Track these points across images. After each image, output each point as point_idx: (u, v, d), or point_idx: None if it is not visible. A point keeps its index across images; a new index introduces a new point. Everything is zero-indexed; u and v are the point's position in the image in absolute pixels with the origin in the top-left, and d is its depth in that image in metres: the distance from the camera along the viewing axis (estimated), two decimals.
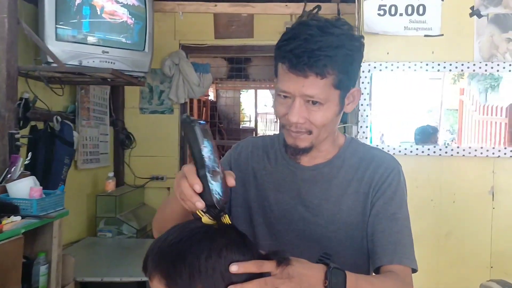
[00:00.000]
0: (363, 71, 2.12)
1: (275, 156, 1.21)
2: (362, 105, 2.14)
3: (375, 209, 1.11)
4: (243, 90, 8.71)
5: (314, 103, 1.01)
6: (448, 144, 5.26)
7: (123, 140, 3.91)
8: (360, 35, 1.06)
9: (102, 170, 3.67)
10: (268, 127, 9.69)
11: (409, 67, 2.07)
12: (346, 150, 1.17)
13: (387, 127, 2.17)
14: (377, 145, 2.18)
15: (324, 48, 0.96)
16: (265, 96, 9.19)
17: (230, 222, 0.83)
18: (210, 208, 0.81)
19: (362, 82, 2.13)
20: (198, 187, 0.81)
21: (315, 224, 1.14)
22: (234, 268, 0.74)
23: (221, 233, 0.81)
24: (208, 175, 0.81)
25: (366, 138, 2.16)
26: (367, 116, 2.13)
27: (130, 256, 2.97)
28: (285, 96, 1.04)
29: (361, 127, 2.15)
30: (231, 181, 0.85)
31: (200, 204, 0.81)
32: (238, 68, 5.22)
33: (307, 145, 1.07)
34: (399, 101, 2.16)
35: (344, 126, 2.51)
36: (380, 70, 2.11)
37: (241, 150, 1.25)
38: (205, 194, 0.81)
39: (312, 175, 1.15)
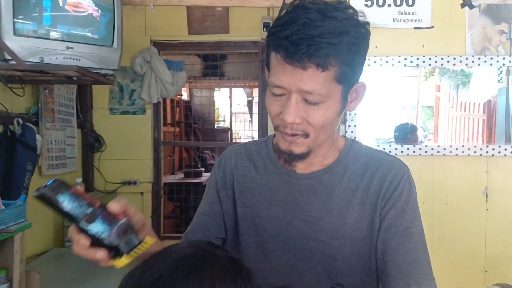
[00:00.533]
0: None
1: (264, 165, 1.06)
2: None
3: (386, 223, 0.97)
4: (217, 89, 8.54)
5: (313, 100, 0.86)
6: (421, 141, 5.21)
7: (92, 143, 3.72)
8: (366, 21, 0.90)
9: (70, 176, 3.45)
10: (244, 127, 9.55)
11: (399, 62, 1.95)
12: (347, 154, 1.03)
13: (363, 125, 2.07)
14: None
15: (326, 35, 0.81)
16: (240, 95, 9.04)
17: (153, 241, 0.77)
18: (114, 248, 0.75)
19: None
20: (83, 241, 0.75)
21: (316, 240, 0.99)
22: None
23: (210, 262, 0.66)
24: (83, 224, 0.75)
25: (355, 137, 2.03)
26: (355, 114, 2.00)
27: (100, 267, 2.77)
28: (279, 93, 0.89)
29: (349, 126, 2.01)
30: (113, 207, 0.77)
31: (101, 253, 0.73)
32: (213, 66, 5.04)
33: (303, 151, 0.93)
34: (375, 97, 2.05)
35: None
36: (369, 65, 1.98)
37: (224, 165, 1.10)
38: (96, 241, 0.75)
39: (310, 184, 1.01)
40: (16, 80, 2.56)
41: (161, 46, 3.73)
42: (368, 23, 0.91)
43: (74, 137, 3.50)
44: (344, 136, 1.09)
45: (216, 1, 2.60)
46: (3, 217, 2.00)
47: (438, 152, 2.07)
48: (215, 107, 8.96)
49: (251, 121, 8.90)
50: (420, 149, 2.07)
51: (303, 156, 0.94)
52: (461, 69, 3.79)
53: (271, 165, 1.05)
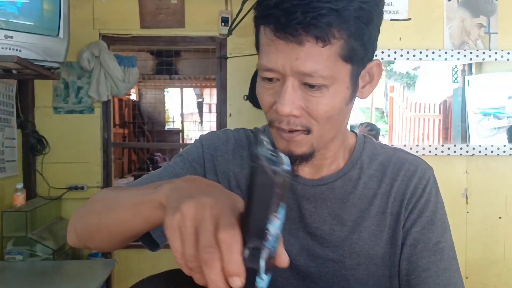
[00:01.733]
0: None
1: None
2: None
3: (412, 237, 0.82)
4: (166, 89, 8.27)
5: (313, 85, 0.69)
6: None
7: (34, 145, 3.42)
8: None
9: (9, 181, 3.14)
10: (194, 128, 9.33)
11: (375, 56, 1.84)
12: (362, 154, 0.87)
13: None
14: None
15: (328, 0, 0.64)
16: (190, 96, 8.82)
17: None
18: None
19: None
20: (239, 283, 0.45)
21: (325, 258, 0.83)
22: None
23: None
24: (262, 263, 0.46)
25: None
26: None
27: (46, 282, 2.53)
28: (270, 79, 0.71)
29: None
30: (283, 261, 0.50)
31: None
32: (166, 62, 4.81)
33: (305, 151, 0.76)
34: None
35: None
36: None
37: (217, 146, 0.89)
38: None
39: (320, 191, 0.84)
40: None
41: (111, 40, 3.48)
42: None
43: (14, 139, 3.20)
44: (353, 131, 0.92)
45: None
46: None
47: (417, 152, 1.98)
48: (165, 108, 8.70)
49: (201, 122, 8.72)
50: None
51: (305, 158, 0.77)
52: (407, 72, 3.80)
53: None
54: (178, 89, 8.23)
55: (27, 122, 3.36)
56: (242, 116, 3.51)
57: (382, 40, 1.88)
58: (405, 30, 1.91)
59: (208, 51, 3.86)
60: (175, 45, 3.69)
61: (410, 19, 1.88)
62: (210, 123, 7.44)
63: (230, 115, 3.53)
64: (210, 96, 8.57)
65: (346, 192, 0.84)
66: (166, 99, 8.58)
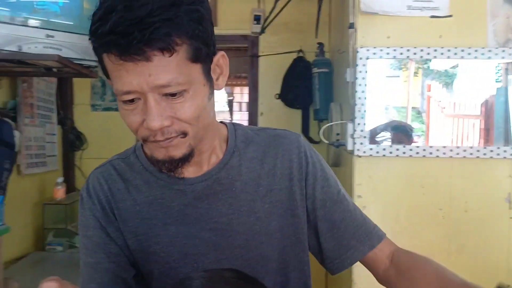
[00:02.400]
0: (360, 58, 1.84)
1: (143, 181, 0.88)
2: (359, 98, 1.86)
3: (319, 200, 0.91)
4: None
5: (174, 94, 0.72)
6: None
7: (73, 141, 3.54)
8: None
9: (50, 175, 3.27)
10: None
11: (415, 54, 1.82)
12: (236, 141, 0.91)
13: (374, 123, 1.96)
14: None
15: (156, 11, 0.67)
16: (220, 94, 8.88)
17: None
18: None
19: (360, 71, 1.85)
20: None
21: (232, 247, 0.87)
22: None
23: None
24: None
25: (365, 137, 1.88)
26: (365, 111, 1.85)
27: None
28: (131, 100, 0.73)
29: (358, 124, 1.87)
30: None
31: None
32: None
33: (185, 152, 0.79)
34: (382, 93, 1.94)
35: (341, 123, 2.24)
36: (381, 56, 1.84)
37: (97, 195, 0.90)
38: None
39: (207, 186, 0.87)
40: None
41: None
42: None
43: (54, 134, 3.32)
44: (222, 122, 0.95)
45: None
46: None
47: (458, 154, 1.91)
48: None
49: (231, 120, 8.79)
50: (437, 150, 1.91)
51: (186, 159, 0.80)
52: (445, 70, 3.72)
53: (152, 178, 0.88)
54: None
55: (66, 119, 3.48)
56: (274, 115, 3.52)
57: (421, 38, 1.87)
58: (446, 27, 1.87)
59: (240, 50, 3.88)
60: None
61: (451, 16, 1.84)
62: (241, 122, 7.49)
63: (262, 114, 3.55)
64: (241, 95, 8.62)
65: (232, 180, 0.88)
66: None
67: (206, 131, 0.82)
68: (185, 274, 0.84)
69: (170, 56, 0.69)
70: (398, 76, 2.00)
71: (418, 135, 2.15)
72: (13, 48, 2.09)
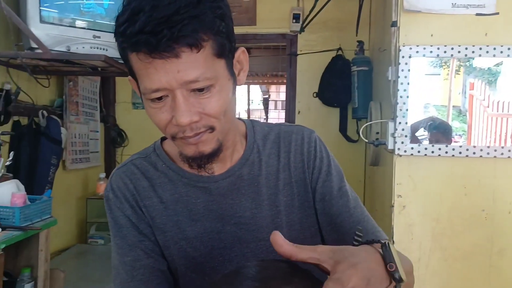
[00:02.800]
0: (402, 56, 1.82)
1: (167, 179, 0.89)
2: (401, 97, 1.84)
3: (319, 193, 0.91)
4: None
5: (201, 89, 0.73)
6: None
7: (114, 138, 3.65)
8: None
9: (93, 171, 3.38)
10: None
11: (459, 52, 1.78)
12: (254, 137, 0.93)
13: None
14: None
15: (183, 9, 0.68)
16: (256, 92, 8.90)
17: None
18: None
19: (402, 70, 1.83)
20: None
21: (255, 240, 0.88)
22: None
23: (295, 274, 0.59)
24: None
25: (406, 136, 1.85)
26: (406, 110, 1.83)
27: None
28: (160, 97, 0.74)
29: (399, 123, 1.85)
30: None
31: None
32: None
33: (214, 147, 0.79)
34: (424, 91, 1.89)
35: (381, 122, 2.22)
36: (424, 55, 1.81)
37: (123, 194, 0.89)
38: None
39: (231, 182, 0.88)
40: (41, 70, 2.48)
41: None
42: None
43: (97, 131, 3.42)
44: (240, 119, 0.96)
45: None
46: (29, 213, 1.90)
47: (502, 154, 1.86)
48: None
49: (266, 118, 8.77)
50: (481, 150, 1.86)
51: (215, 153, 0.80)
52: (488, 68, 3.60)
53: (176, 177, 0.89)
54: (245, 86, 8.35)
55: (108, 117, 3.58)
56: (311, 114, 3.51)
57: (465, 36, 1.83)
58: (492, 25, 1.81)
59: (278, 48, 3.89)
60: (246, 42, 3.74)
61: (497, 13, 1.79)
62: (278, 120, 7.49)
63: (299, 112, 3.55)
64: (277, 93, 8.62)
65: (254, 176, 0.90)
66: None
67: (230, 126, 0.83)
68: (211, 268, 0.87)
69: (197, 52, 0.70)
70: (439, 74, 1.96)
71: (459, 135, 2.10)
72: (62, 48, 2.18)
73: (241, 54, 0.81)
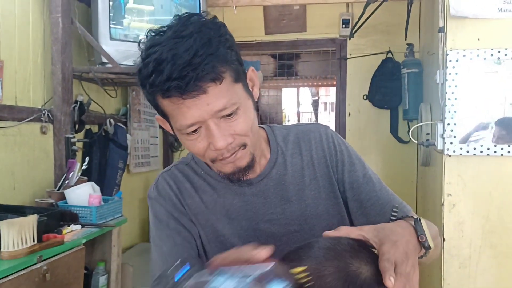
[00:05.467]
0: (449, 60, 1.88)
1: (206, 183, 1.00)
2: (449, 99, 1.89)
3: (347, 183, 1.00)
4: (284, 88, 8.51)
5: (230, 114, 0.82)
6: None
7: (172, 143, 3.85)
8: (211, 14, 0.86)
9: (153, 174, 3.59)
10: None
11: (506, 55, 1.82)
12: (276, 141, 1.03)
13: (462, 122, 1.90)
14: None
15: (199, 51, 0.77)
16: (306, 95, 8.95)
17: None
18: None
19: (449, 73, 1.88)
20: None
21: (288, 233, 0.98)
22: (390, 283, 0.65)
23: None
24: None
25: (455, 137, 1.90)
26: (455, 112, 1.88)
27: None
28: (194, 131, 0.83)
29: (448, 124, 1.90)
30: (260, 255, 0.64)
31: None
32: (285, 65, 5.03)
33: (248, 160, 0.90)
34: (476, 93, 1.89)
35: (431, 123, 2.27)
36: (471, 59, 1.86)
37: (167, 194, 1.01)
38: None
39: (262, 184, 0.99)
40: (108, 82, 2.70)
41: (238, 47, 3.76)
42: (215, 16, 0.86)
43: (157, 137, 3.63)
44: (260, 126, 1.03)
45: None
46: (103, 212, 2.10)
47: None
48: (282, 107, 8.94)
49: (316, 121, 8.78)
50: None
51: (251, 165, 0.91)
52: None
53: (214, 182, 1.00)
54: (295, 89, 8.42)
55: None
56: (362, 116, 3.57)
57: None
58: None
59: (328, 52, 3.97)
60: (296, 48, 3.85)
61: None
62: (328, 122, 7.51)
63: (349, 114, 3.61)
64: (326, 96, 8.63)
65: (281, 175, 0.99)
66: (282, 99, 8.81)
67: (256, 138, 0.92)
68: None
69: (220, 84, 0.79)
70: (496, 72, 1.95)
71: None
72: (129, 62, 2.38)
73: (251, 73, 0.92)
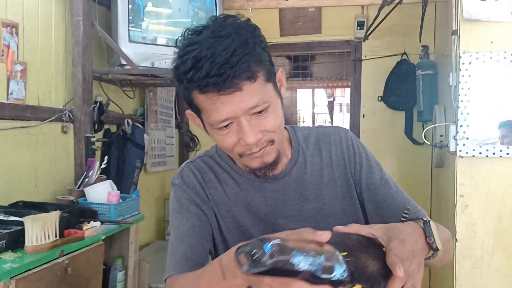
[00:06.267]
0: (462, 63, 1.90)
1: (229, 176, 1.05)
2: (462, 101, 1.91)
3: (364, 184, 1.04)
4: (299, 89, 8.52)
5: (261, 111, 0.87)
6: None
7: (187, 143, 3.90)
8: (245, 17, 0.89)
9: (169, 173, 3.65)
10: None
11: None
12: (298, 142, 1.07)
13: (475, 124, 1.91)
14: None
15: (237, 50, 0.81)
16: (321, 96, 8.94)
17: None
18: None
19: (462, 76, 1.90)
20: None
21: None
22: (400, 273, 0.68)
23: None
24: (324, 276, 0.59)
25: (467, 138, 1.92)
26: (468, 114, 1.90)
27: None
28: (225, 126, 0.88)
29: (461, 126, 1.92)
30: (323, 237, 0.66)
31: None
32: (300, 66, 5.06)
33: (275, 156, 0.95)
34: (489, 95, 1.90)
35: (445, 125, 2.28)
36: (484, 61, 1.88)
37: (191, 182, 1.05)
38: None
39: (284, 181, 1.03)
40: (127, 83, 2.76)
41: None
42: (248, 19, 0.89)
43: (173, 137, 3.69)
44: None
45: (313, 2, 2.61)
46: (122, 209, 2.16)
47: None
48: (297, 108, 8.95)
49: (331, 122, 8.78)
50: None
51: (277, 161, 0.96)
52: None
53: (237, 175, 1.04)
54: (310, 90, 8.43)
55: (182, 123, 3.85)
56: (376, 117, 3.58)
57: None
58: None
59: (343, 54, 3.98)
60: (311, 50, 3.88)
61: None
62: (343, 123, 7.50)
63: (364, 116, 3.63)
64: (341, 97, 8.63)
65: (301, 174, 1.04)
66: (298, 100, 8.82)
67: (282, 136, 0.98)
68: None
69: (254, 82, 0.84)
70: (510, 74, 1.97)
71: None
72: (147, 64, 2.45)
73: (280, 74, 0.96)
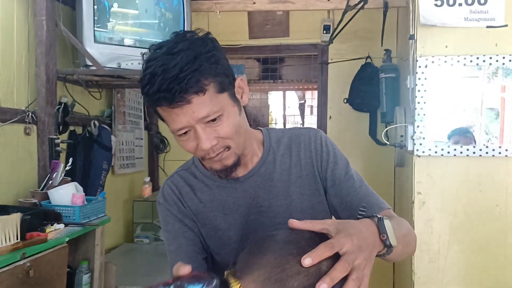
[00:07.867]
0: (419, 66, 1.98)
1: (204, 184, 1.13)
2: (419, 103, 1.99)
3: (329, 180, 1.10)
4: (270, 92, 8.57)
5: (214, 119, 0.94)
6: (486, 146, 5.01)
7: (157, 144, 3.87)
8: (205, 31, 0.97)
9: (138, 175, 3.63)
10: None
11: (471, 61, 1.92)
12: (270, 143, 1.14)
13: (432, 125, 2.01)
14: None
15: (185, 67, 0.88)
16: (292, 98, 9.02)
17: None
18: None
19: (419, 78, 1.98)
20: None
21: (274, 224, 1.08)
22: (308, 261, 0.68)
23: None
24: None
25: (424, 138, 2.00)
26: (424, 115, 1.98)
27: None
28: (184, 133, 0.95)
29: (417, 126, 2.00)
30: None
31: None
32: (269, 68, 5.11)
33: (234, 160, 1.02)
34: (444, 98, 2.00)
35: (404, 126, 2.36)
36: (439, 65, 1.96)
37: (172, 198, 1.14)
38: None
39: (253, 180, 1.10)
40: (93, 84, 2.74)
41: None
42: (208, 32, 0.96)
43: (142, 139, 3.67)
44: (259, 128, 1.17)
45: (280, 5, 2.66)
46: (87, 211, 2.15)
47: None
48: (269, 111, 9.00)
49: (302, 123, 8.85)
50: (493, 150, 1.99)
51: (237, 164, 1.02)
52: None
53: (210, 182, 1.12)
54: (281, 92, 8.49)
55: (152, 125, 3.82)
56: (342, 118, 3.66)
57: (478, 47, 1.96)
58: (501, 36, 1.91)
59: (310, 57, 4.05)
60: (280, 52, 3.93)
61: (506, 25, 1.91)
62: (310, 125, 7.58)
63: (330, 117, 3.70)
64: (312, 99, 8.72)
65: (270, 173, 1.10)
66: (269, 102, 8.87)
67: (245, 140, 1.03)
68: (243, 249, 1.06)
69: (203, 95, 0.90)
70: (478, 77, 2.06)
71: (493, 136, 2.17)
72: (113, 65, 2.44)
73: (240, 82, 1.02)
